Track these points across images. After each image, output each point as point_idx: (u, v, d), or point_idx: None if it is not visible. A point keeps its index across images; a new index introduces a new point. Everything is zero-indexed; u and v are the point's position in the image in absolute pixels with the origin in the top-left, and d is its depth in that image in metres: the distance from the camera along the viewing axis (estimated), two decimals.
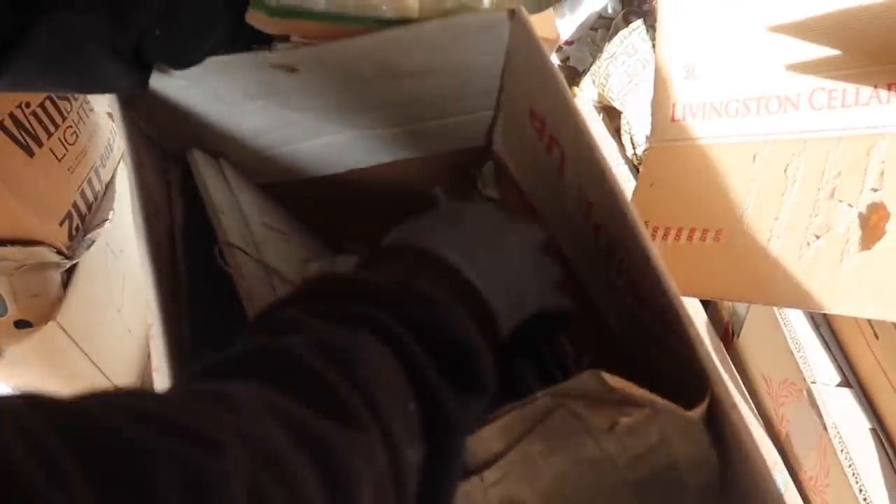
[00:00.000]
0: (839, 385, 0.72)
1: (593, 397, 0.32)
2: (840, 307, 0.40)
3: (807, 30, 0.50)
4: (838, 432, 0.69)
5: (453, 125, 0.62)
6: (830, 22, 0.49)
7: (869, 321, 0.68)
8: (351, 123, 0.60)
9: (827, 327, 0.75)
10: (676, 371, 0.36)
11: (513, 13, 0.47)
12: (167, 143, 0.57)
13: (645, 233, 0.35)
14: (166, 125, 0.55)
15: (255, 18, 0.45)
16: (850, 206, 0.43)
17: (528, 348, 0.47)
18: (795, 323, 0.75)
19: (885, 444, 0.69)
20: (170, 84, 0.50)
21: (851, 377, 0.73)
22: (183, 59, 0.47)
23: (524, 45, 0.48)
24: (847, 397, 0.72)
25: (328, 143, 0.62)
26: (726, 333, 0.91)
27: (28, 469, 0.15)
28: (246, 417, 0.21)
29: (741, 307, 0.85)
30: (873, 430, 0.70)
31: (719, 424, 0.34)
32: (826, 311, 0.41)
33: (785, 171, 0.47)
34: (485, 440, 0.32)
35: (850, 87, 0.47)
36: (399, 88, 0.55)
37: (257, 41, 0.48)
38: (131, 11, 0.43)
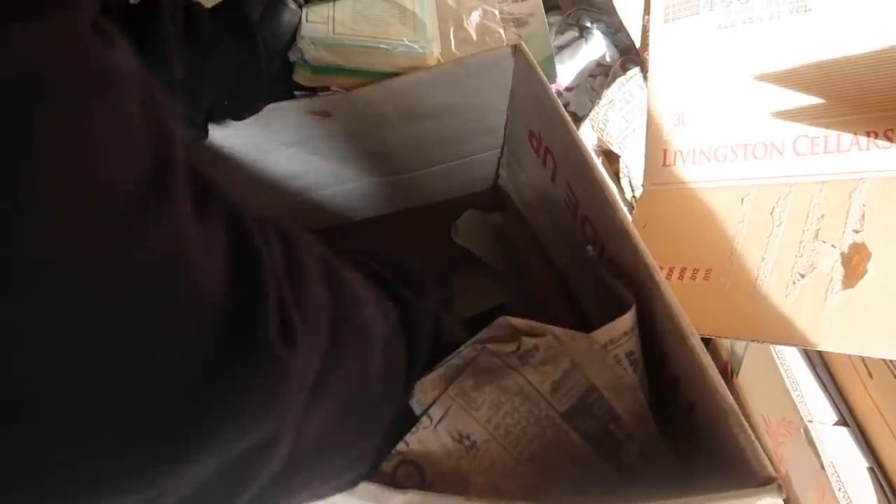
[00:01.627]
0: (836, 424, 0.73)
1: (506, 338, 0.37)
2: (825, 343, 0.42)
3: (790, 80, 0.52)
4: (836, 471, 0.70)
5: (465, 167, 0.65)
6: (812, 72, 0.51)
7: (863, 361, 0.69)
8: (373, 169, 0.63)
9: (823, 367, 0.76)
10: None
11: (515, 48, 0.51)
12: None
13: (623, 210, 0.40)
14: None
15: (301, 77, 0.52)
16: (833, 246, 0.45)
17: None
18: (791, 362, 0.76)
19: (883, 483, 0.69)
20: (215, 132, 0.54)
21: (848, 416, 0.74)
22: (246, 115, 0.52)
23: (525, 74, 0.52)
24: (844, 436, 0.72)
25: (351, 189, 0.66)
26: (725, 373, 0.91)
27: None
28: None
29: (739, 347, 0.86)
30: (871, 469, 0.70)
31: (648, 302, 0.37)
32: (812, 348, 0.42)
33: (771, 213, 0.50)
34: (427, 389, 0.38)
35: (832, 135, 0.49)
36: (418, 130, 0.58)
37: (301, 91, 0.54)
38: (204, 92, 0.49)
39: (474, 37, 0.60)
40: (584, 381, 0.37)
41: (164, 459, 0.21)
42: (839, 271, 0.44)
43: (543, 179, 0.53)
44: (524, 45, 0.51)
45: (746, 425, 0.33)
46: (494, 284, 0.73)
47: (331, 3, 0.52)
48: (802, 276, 0.45)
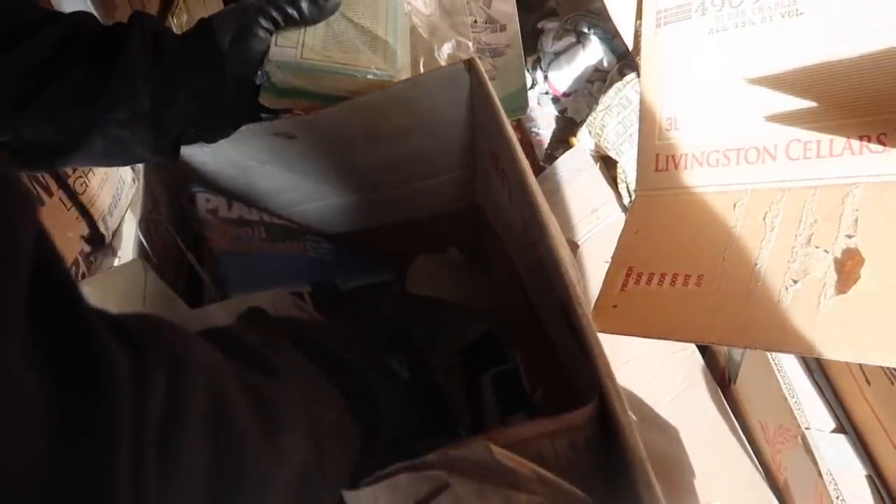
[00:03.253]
0: (834, 431, 0.73)
1: (482, 473, 0.32)
2: (819, 349, 0.42)
3: (783, 83, 0.52)
4: (833, 479, 0.69)
5: (442, 184, 0.65)
6: (805, 76, 0.51)
7: (861, 368, 0.68)
8: (348, 186, 0.64)
9: (821, 373, 0.76)
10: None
11: (469, 63, 0.50)
12: (188, 202, 0.61)
13: (554, 238, 0.38)
14: (189, 185, 0.59)
15: (266, 99, 0.51)
16: (826, 251, 0.45)
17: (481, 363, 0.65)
18: (789, 369, 0.76)
19: (882, 491, 0.69)
20: (194, 150, 0.54)
21: (846, 423, 0.73)
22: (216, 139, 0.52)
23: (479, 91, 0.51)
24: (842, 443, 0.72)
25: (330, 205, 0.66)
26: (723, 379, 0.91)
27: None
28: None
29: (737, 353, 0.86)
30: (869, 477, 0.70)
31: (611, 431, 0.35)
32: (805, 354, 0.42)
33: (764, 218, 0.49)
34: (372, 499, 0.33)
35: (825, 139, 0.49)
36: (385, 150, 0.58)
37: (269, 113, 0.54)
38: (171, 121, 0.49)
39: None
40: None
41: None
42: (832, 277, 0.43)
43: (504, 200, 0.52)
44: (477, 59, 0.51)
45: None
46: (479, 312, 0.72)
47: (302, 29, 0.52)
48: (795, 281, 0.45)
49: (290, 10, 0.50)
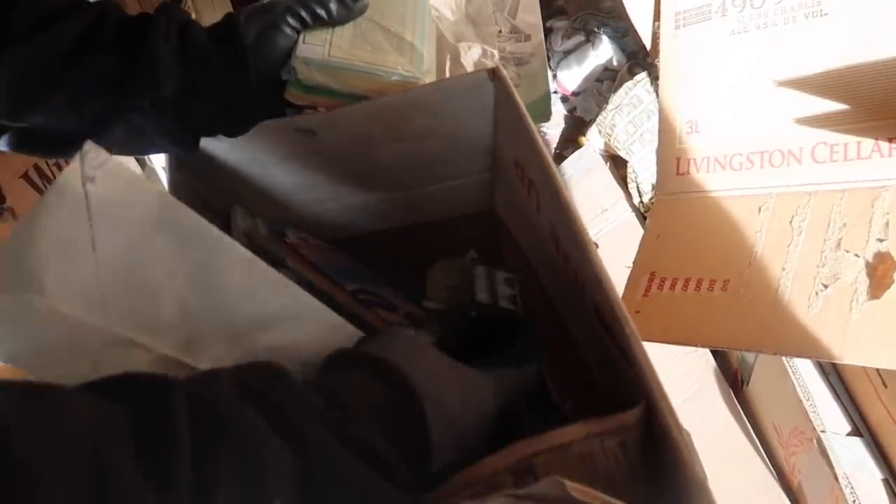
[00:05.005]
0: (849, 434, 0.72)
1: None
2: (850, 356, 0.41)
3: (807, 85, 0.51)
4: (849, 482, 0.69)
5: (458, 188, 0.65)
6: (831, 78, 0.50)
7: (877, 370, 0.68)
8: (366, 186, 0.64)
9: (836, 376, 0.75)
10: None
11: (493, 72, 0.50)
12: (213, 200, 0.61)
13: (596, 256, 0.38)
14: (213, 182, 0.60)
15: (292, 95, 0.52)
16: (856, 256, 0.44)
17: None
18: (803, 371, 0.75)
19: None
20: (216, 146, 0.54)
21: (862, 426, 0.73)
22: (236, 134, 0.53)
23: (504, 100, 0.51)
24: (858, 446, 0.71)
25: (348, 204, 0.66)
26: (735, 381, 0.91)
27: None
28: None
29: (749, 355, 0.86)
30: (885, 481, 0.69)
31: (658, 436, 0.35)
32: (836, 361, 0.41)
33: (791, 222, 0.48)
34: None
35: (852, 141, 0.48)
36: (405, 150, 0.58)
37: (291, 108, 0.54)
38: (192, 112, 0.49)
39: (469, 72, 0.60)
40: None
41: None
42: (864, 281, 0.43)
43: (529, 210, 0.52)
44: (502, 68, 0.51)
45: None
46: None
47: (330, 28, 0.52)
48: (825, 286, 0.44)
49: (319, 10, 0.51)
